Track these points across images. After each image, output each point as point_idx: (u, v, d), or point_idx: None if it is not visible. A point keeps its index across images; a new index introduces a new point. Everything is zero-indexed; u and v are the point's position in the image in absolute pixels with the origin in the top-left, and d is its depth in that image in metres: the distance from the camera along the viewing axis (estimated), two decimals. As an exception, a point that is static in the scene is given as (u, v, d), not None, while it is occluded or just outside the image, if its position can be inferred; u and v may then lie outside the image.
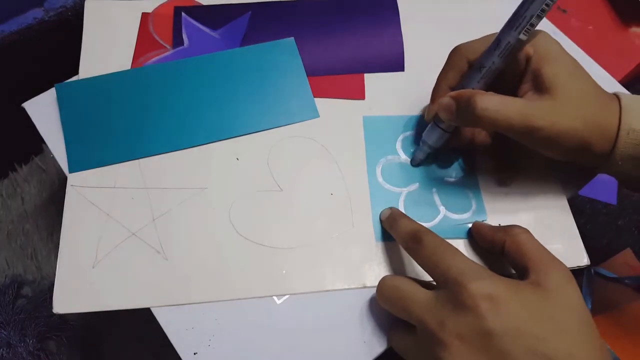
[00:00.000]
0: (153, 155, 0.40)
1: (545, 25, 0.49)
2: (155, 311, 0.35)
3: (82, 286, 0.36)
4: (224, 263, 0.37)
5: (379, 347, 0.34)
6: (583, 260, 0.38)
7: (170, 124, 0.42)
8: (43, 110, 0.42)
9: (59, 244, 0.37)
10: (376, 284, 0.33)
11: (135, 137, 0.41)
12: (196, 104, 0.42)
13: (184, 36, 0.46)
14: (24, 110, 0.42)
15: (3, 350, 0.58)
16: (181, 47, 0.45)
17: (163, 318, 0.35)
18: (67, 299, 0.35)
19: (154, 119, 0.42)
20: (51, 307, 0.35)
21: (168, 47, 0.46)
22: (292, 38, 0.46)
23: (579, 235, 0.39)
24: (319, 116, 0.43)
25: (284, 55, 0.45)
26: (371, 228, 0.38)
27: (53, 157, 0.41)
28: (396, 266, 0.37)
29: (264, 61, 0.45)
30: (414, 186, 0.40)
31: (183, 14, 0.47)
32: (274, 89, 0.43)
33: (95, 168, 0.40)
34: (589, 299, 0.33)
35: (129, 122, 0.41)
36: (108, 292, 0.35)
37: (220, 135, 0.41)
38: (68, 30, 0.58)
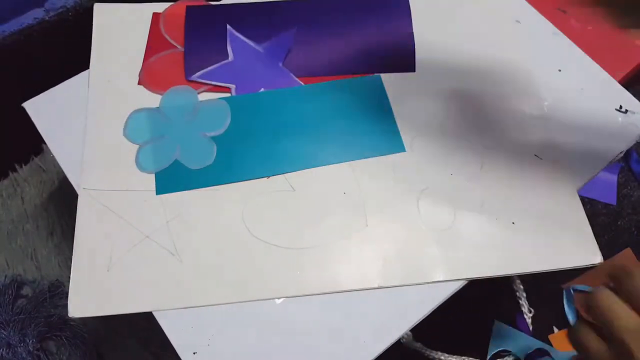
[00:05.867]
0: (232, 182, 0.40)
1: (545, 25, 0.49)
2: (155, 311, 0.35)
3: (97, 289, 0.35)
4: (238, 265, 0.37)
5: (379, 347, 0.34)
6: (596, 258, 0.37)
7: (256, 153, 0.41)
8: (43, 110, 0.42)
9: (58, 244, 0.37)
10: (389, 284, 0.33)
11: (220, 165, 0.41)
12: (282, 134, 0.42)
13: (229, 50, 0.46)
14: (24, 110, 0.42)
15: (3, 350, 0.58)
16: (226, 61, 0.45)
17: (163, 318, 0.35)
18: (83, 303, 0.35)
19: (240, 147, 0.41)
20: (51, 307, 0.35)
21: (179, 47, 0.46)
22: (379, 75, 0.45)
23: (591, 231, 0.37)
24: (405, 150, 0.42)
25: (370, 91, 0.44)
26: (382, 228, 0.38)
27: (53, 157, 0.41)
28: (406, 265, 0.37)
29: (350, 96, 0.44)
30: None
31: (229, 27, 0.47)
32: (360, 123, 0.43)
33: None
34: (572, 312, 0.33)
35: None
36: (123, 295, 0.35)
37: (304, 165, 0.41)
38: (68, 31, 0.58)
